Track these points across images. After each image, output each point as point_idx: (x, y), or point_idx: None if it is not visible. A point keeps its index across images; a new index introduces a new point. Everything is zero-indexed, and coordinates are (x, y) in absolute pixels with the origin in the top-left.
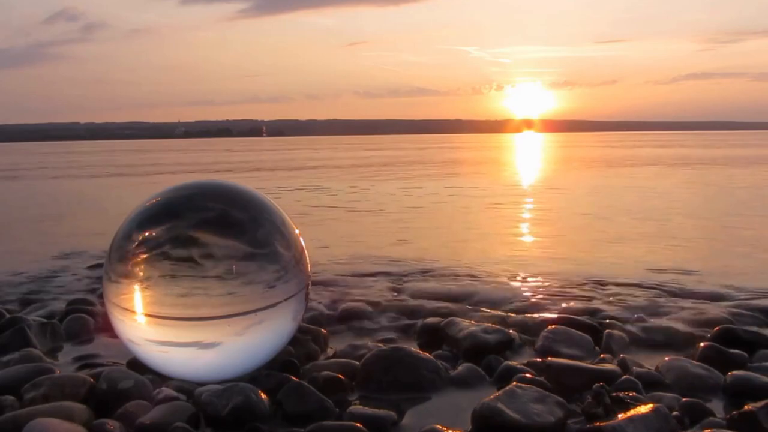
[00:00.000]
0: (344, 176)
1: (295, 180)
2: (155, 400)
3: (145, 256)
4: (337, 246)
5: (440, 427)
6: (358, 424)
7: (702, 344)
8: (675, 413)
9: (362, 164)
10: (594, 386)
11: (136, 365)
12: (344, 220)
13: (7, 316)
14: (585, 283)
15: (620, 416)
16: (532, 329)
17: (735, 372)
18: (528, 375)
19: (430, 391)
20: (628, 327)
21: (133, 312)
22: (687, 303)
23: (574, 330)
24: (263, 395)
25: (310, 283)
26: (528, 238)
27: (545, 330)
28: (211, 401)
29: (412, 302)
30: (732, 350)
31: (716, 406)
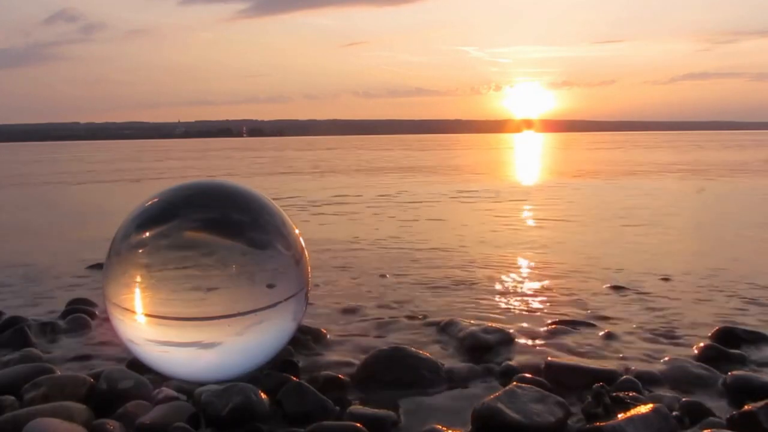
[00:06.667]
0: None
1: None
2: (155, 400)
3: (145, 256)
4: None
5: (440, 427)
6: (358, 424)
7: (702, 344)
8: (675, 413)
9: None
10: (594, 386)
11: (136, 365)
12: None
13: (7, 315)
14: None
15: (620, 416)
16: (533, 328)
17: (735, 372)
18: (528, 375)
19: (431, 391)
20: (630, 326)
21: (133, 312)
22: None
23: (575, 330)
24: (263, 395)
25: (309, 283)
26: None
27: (546, 329)
28: (211, 401)
29: None
30: (732, 350)
31: (716, 406)
